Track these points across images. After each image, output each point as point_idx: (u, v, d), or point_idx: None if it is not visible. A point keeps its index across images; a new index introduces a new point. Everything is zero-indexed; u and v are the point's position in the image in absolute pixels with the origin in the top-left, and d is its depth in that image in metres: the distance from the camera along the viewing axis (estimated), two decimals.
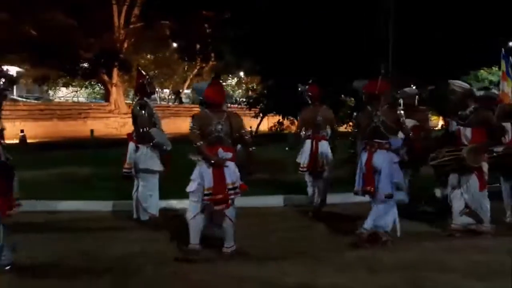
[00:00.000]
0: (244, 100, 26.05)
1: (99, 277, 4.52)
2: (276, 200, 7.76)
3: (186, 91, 38.30)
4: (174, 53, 32.63)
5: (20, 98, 30.73)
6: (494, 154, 5.96)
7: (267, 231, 6.14)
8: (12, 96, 29.51)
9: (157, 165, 6.36)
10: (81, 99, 37.55)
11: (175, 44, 32.51)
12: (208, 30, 30.15)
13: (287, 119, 22.17)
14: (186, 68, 35.00)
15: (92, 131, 16.02)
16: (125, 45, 29.22)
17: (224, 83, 41.05)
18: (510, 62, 8.13)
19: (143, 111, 6.28)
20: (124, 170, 6.40)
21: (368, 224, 5.48)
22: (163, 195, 6.69)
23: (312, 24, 18.79)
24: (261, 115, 21.40)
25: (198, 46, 31.56)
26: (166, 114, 31.76)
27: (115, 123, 28.77)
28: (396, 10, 16.09)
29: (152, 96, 6.81)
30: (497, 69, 11.30)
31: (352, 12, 18.26)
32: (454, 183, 5.91)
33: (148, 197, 6.39)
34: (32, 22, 25.50)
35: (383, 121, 5.50)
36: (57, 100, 34.75)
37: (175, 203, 7.22)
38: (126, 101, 31.66)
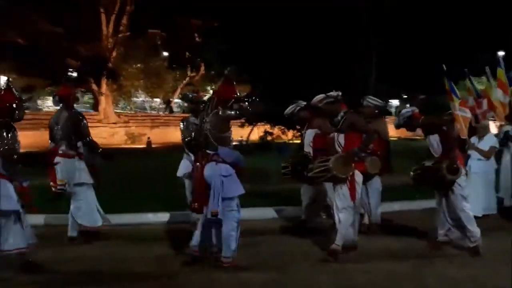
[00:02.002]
0: None
1: None
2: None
3: (176, 100, 38.05)
4: (164, 62, 32.39)
5: None
6: (422, 167, 5.61)
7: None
8: None
9: (90, 178, 6.06)
10: None
11: (165, 53, 32.27)
12: (197, 39, 29.95)
13: (277, 128, 21.89)
14: (177, 77, 34.80)
15: None
16: (114, 54, 28.99)
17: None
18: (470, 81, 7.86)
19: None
20: (59, 187, 5.87)
21: (195, 241, 4.96)
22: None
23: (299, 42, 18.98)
24: (247, 124, 21.14)
25: (187, 54, 31.35)
26: (156, 124, 31.47)
27: (104, 132, 28.40)
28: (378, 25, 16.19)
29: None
30: (485, 78, 10.98)
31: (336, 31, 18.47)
32: (331, 194, 5.67)
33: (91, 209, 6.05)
34: (19, 30, 25.26)
35: (210, 129, 4.90)
36: (45, 109, 34.37)
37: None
38: (115, 111, 31.36)
